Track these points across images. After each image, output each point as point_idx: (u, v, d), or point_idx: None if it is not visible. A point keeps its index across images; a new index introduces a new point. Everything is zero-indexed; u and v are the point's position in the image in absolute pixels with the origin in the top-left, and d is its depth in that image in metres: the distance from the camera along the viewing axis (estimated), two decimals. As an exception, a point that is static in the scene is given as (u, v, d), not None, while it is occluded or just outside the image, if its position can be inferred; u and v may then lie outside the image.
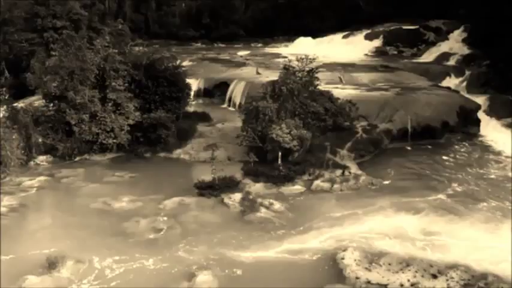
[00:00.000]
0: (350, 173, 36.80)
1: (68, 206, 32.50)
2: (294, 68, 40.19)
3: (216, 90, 59.44)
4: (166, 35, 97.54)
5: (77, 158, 40.21)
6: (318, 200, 33.05)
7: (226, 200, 32.19)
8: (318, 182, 35.12)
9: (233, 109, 55.18)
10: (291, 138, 35.44)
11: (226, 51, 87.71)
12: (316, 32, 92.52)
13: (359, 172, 36.91)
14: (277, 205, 31.41)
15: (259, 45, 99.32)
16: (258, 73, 59.16)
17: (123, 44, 48.92)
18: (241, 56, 78.63)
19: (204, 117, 49.06)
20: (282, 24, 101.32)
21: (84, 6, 73.23)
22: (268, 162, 37.12)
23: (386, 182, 36.23)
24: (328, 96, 43.14)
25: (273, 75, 54.59)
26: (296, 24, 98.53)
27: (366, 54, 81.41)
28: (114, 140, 39.33)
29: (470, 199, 33.67)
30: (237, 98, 55.72)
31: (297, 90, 38.06)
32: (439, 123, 45.72)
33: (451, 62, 71.21)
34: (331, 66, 65.05)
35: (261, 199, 32.17)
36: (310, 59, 40.60)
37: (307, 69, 41.36)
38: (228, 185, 33.67)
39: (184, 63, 72.89)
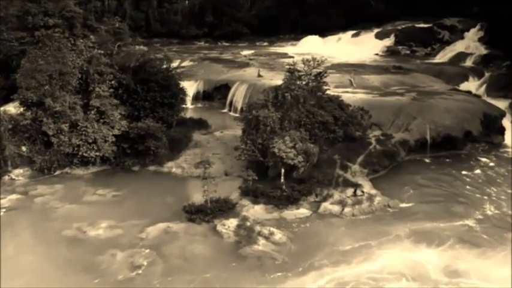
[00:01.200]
0: (363, 192, 31.83)
1: (38, 232, 27.84)
2: (299, 71, 35.23)
3: (216, 93, 54.63)
4: (167, 33, 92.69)
5: (57, 172, 35.50)
6: (325, 228, 28.12)
7: (219, 228, 27.36)
8: (326, 205, 30.22)
9: (234, 114, 50.39)
10: (296, 153, 30.52)
11: (230, 50, 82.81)
12: (324, 30, 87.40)
13: (373, 191, 31.93)
14: (278, 235, 26.53)
15: (265, 44, 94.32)
16: (259, 76, 54.14)
17: (110, 44, 43.79)
18: (244, 56, 73.72)
19: (201, 124, 44.22)
20: (288, 22, 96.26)
21: (80, 3, 68.60)
22: (269, 179, 32.26)
23: (404, 205, 31.20)
24: (337, 102, 38.18)
25: (277, 78, 49.81)
26: (303, 23, 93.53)
27: (377, 54, 76.17)
28: (97, 153, 34.59)
29: (503, 226, 28.64)
30: (239, 102, 50.87)
31: (302, 98, 33.14)
32: (460, 133, 40.55)
33: (468, 62, 65.84)
34: (340, 67, 60.05)
35: (259, 227, 27.31)
36: (317, 61, 35.66)
37: (314, 72, 36.47)
38: (222, 208, 28.86)
39: (185, 64, 68.51)
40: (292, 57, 73.49)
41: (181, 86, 41.23)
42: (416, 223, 28.54)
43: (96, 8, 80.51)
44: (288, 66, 36.14)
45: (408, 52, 76.19)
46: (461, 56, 67.91)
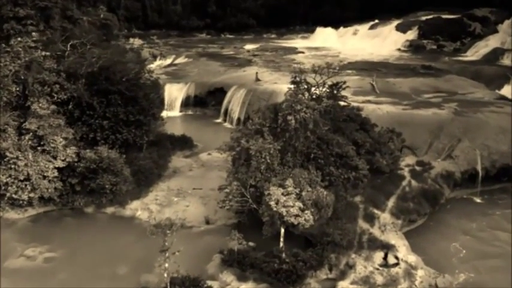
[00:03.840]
0: (397, 259, 21.64)
1: None
2: (308, 83, 24.95)
3: (210, 99, 44.46)
4: (166, 24, 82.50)
5: (-17, 216, 25.62)
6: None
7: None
8: (345, 286, 19.96)
9: (230, 126, 40.29)
10: (301, 206, 20.28)
11: (233, 43, 72.41)
12: (338, 21, 76.55)
13: (412, 258, 21.65)
14: None
15: (272, 36, 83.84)
16: (257, 79, 43.72)
17: (59, 43, 32.62)
18: (248, 51, 63.29)
19: (184, 143, 34.13)
20: (299, 12, 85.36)
21: (58, -10, 58.06)
22: (264, 237, 22.04)
23: (458, 281, 20.87)
24: (359, 121, 27.78)
25: (283, 81, 39.76)
26: (315, 13, 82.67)
27: (399, 49, 65.28)
28: (32, 194, 24.63)
29: None
30: (235, 111, 40.66)
31: (312, 122, 22.73)
32: (521, 161, 29.94)
33: (506, 61, 54.64)
34: (358, 67, 49.45)
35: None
36: (332, 68, 25.35)
37: (328, 82, 26.20)
38: (190, 293, 18.81)
39: (178, 60, 58.31)
40: (302, 52, 63.10)
41: (155, 95, 30.88)
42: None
43: (79, -4, 70.13)
44: (293, 75, 25.70)
45: (434, 47, 65.13)
46: (497, 53, 56.80)
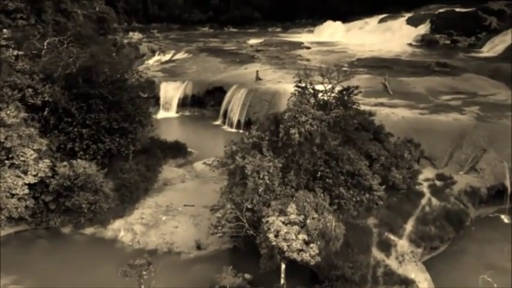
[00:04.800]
0: (418, 297, 18.17)
1: None
2: (314, 89, 21.39)
3: (209, 99, 40.91)
4: (167, 18, 78.91)
5: None
6: None
7: None
8: (358, 336, 16.57)
9: (230, 129, 36.87)
10: (306, 239, 16.82)
11: (236, 37, 68.64)
12: (346, 15, 72.46)
13: (435, 296, 18.19)
14: None
15: (277, 30, 79.94)
16: (258, 79, 40.06)
17: (35, 40, 28.75)
18: (251, 46, 59.55)
19: (178, 150, 30.63)
20: (305, 5, 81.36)
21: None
22: (262, 270, 18.59)
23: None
24: (373, 129, 24.17)
25: (287, 80, 36.29)
26: (321, 6, 78.57)
27: (410, 44, 61.31)
28: (-3, 214, 21.29)
29: None
30: (235, 113, 37.13)
31: (319, 135, 19.19)
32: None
33: (526, 57, 50.91)
34: (368, 64, 45.76)
35: None
36: (343, 71, 21.79)
37: (337, 88, 22.64)
38: None
39: (178, 56, 54.82)
40: (308, 47, 59.33)
41: (142, 100, 27.32)
42: None
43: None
44: (296, 80, 22.12)
45: (448, 42, 61.02)
46: (516, 49, 52.91)
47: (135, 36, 68.46)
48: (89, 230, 23.23)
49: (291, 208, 17.42)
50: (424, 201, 23.48)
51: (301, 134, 18.71)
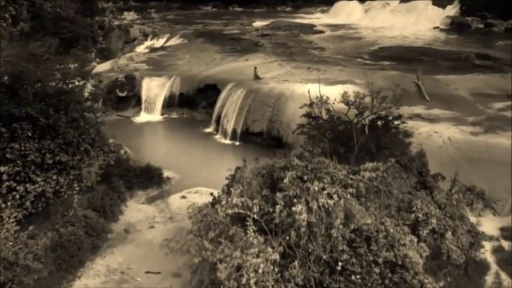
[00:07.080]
0: None
1: None
2: (331, 117, 13.45)
3: (200, 98, 32.93)
4: (167, -5, 70.55)
5: None
6: None
7: None
8: None
9: (223, 140, 29.05)
10: None
11: (240, 19, 60.06)
12: (364, -8, 63.79)
13: None
14: None
15: (288, 9, 71.14)
16: (256, 77, 31.77)
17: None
18: (256, 30, 51.16)
19: (149, 176, 22.67)
20: (318, -19, 72.50)
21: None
22: None
23: None
24: (415, 167, 16.14)
25: (296, 77, 28.60)
26: (337, -18, 69.61)
27: (437, 28, 52.48)
28: None
29: None
30: (230, 119, 29.18)
31: (342, 212, 11.23)
32: None
33: None
34: (393, 54, 37.34)
35: None
36: (384, 96, 13.81)
37: (367, 116, 14.65)
38: None
39: (170, 42, 46.73)
40: (322, 31, 50.79)
41: (95, 117, 19.33)
42: None
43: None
44: (305, 106, 14.12)
45: (481, 26, 52.08)
46: None
47: (128, 17, 60.25)
48: (4, 316, 15.86)
49: None
50: (490, 278, 15.69)
51: (313, 211, 10.85)
